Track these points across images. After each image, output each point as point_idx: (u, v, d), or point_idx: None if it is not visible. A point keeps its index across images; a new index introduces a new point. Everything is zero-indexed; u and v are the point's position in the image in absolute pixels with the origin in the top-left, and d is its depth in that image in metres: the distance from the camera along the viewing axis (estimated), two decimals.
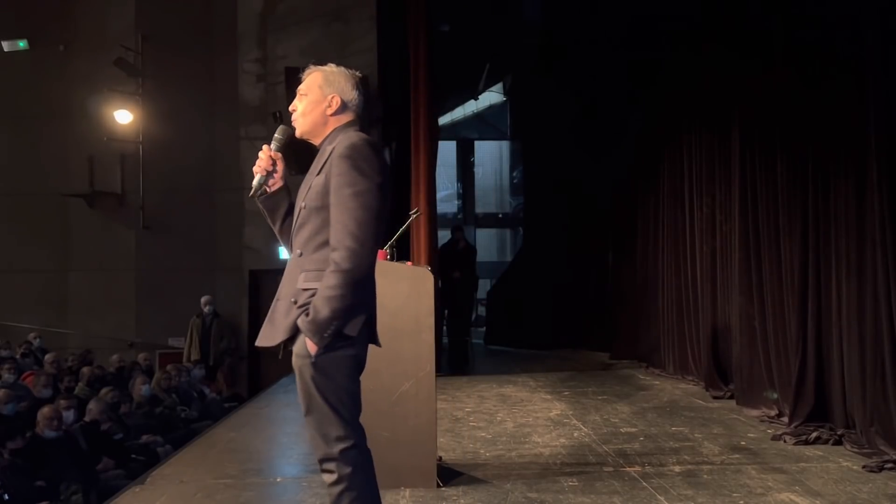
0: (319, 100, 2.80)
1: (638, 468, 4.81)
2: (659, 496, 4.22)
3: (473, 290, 11.49)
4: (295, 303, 2.64)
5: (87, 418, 6.83)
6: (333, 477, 2.61)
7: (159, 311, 12.08)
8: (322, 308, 2.53)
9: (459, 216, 20.08)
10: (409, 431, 4.31)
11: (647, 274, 9.62)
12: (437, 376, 4.46)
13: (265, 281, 12.07)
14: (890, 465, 4.60)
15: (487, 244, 20.57)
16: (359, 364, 2.68)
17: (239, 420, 7.04)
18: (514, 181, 20.10)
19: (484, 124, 20.61)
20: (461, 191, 20.93)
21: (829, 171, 5.57)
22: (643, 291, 9.75)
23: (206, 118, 12.39)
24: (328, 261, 2.57)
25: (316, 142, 2.82)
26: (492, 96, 19.24)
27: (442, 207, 16.67)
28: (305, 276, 2.65)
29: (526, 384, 8.50)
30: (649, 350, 9.52)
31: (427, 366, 4.37)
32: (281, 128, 2.89)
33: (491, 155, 21.46)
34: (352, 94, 2.81)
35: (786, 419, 5.86)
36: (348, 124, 2.80)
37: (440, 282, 9.12)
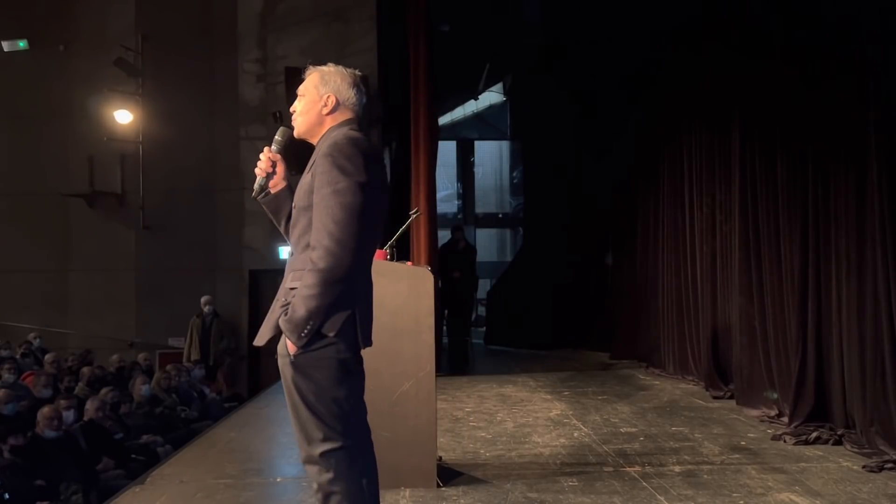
0: (316, 99, 2.80)
1: (638, 468, 4.81)
2: (659, 496, 4.22)
3: (473, 290, 11.48)
4: (282, 302, 2.65)
5: (84, 417, 6.83)
6: (315, 482, 2.62)
7: (159, 311, 12.08)
8: (299, 307, 2.52)
9: (459, 216, 20.07)
10: (409, 431, 4.31)
11: (647, 274, 9.62)
12: (437, 376, 4.46)
13: (265, 281, 12.07)
14: (890, 465, 4.60)
15: (487, 244, 20.56)
16: (344, 366, 2.61)
17: (239, 420, 7.04)
18: (514, 181, 20.09)
19: (484, 124, 20.60)
20: (461, 191, 20.92)
21: (829, 171, 5.57)
22: (643, 291, 9.75)
23: (206, 118, 12.38)
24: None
25: (314, 141, 2.81)
26: (492, 96, 19.23)
27: (442, 207, 16.67)
28: (293, 275, 2.66)
29: (526, 384, 8.50)
30: (649, 350, 9.52)
31: (427, 366, 4.37)
32: (281, 129, 2.90)
33: (491, 155, 21.45)
34: (348, 93, 2.80)
35: (786, 419, 5.86)
36: (344, 123, 2.77)
37: (440, 282, 9.11)
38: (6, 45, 12.17)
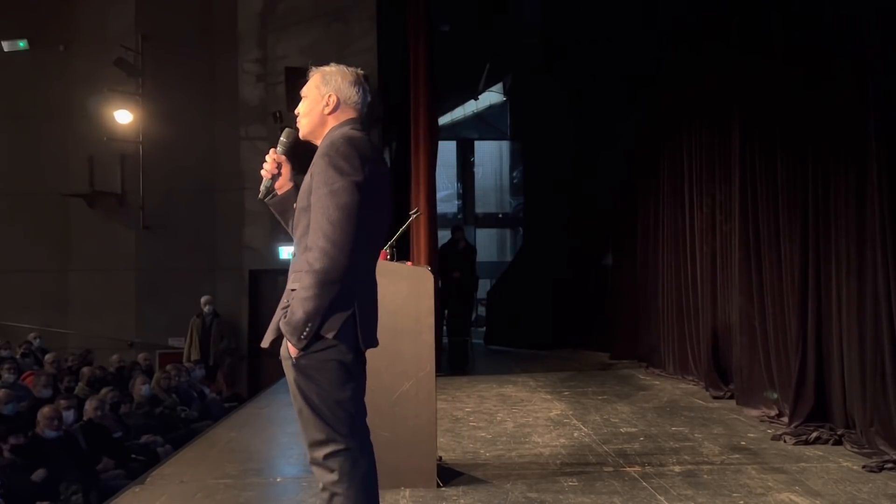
0: (317, 100, 2.79)
1: (638, 468, 4.80)
2: (659, 496, 4.22)
3: (473, 290, 11.48)
4: (284, 304, 2.65)
5: (84, 417, 6.83)
6: (320, 482, 2.62)
7: (159, 311, 12.08)
8: (297, 309, 2.52)
9: (459, 216, 20.07)
10: (409, 431, 4.31)
11: (647, 274, 9.62)
12: (437, 376, 4.46)
13: (265, 281, 12.08)
14: (890, 465, 4.60)
15: (487, 244, 20.55)
16: (346, 368, 2.60)
17: (239, 420, 7.04)
18: (514, 181, 20.09)
19: (484, 124, 20.59)
20: (461, 191, 20.91)
21: (829, 171, 5.57)
22: (643, 291, 9.75)
23: (206, 118, 12.39)
24: None
25: (317, 142, 2.80)
26: (492, 96, 19.23)
27: (442, 207, 16.66)
28: (294, 276, 2.65)
29: (526, 384, 8.50)
30: (649, 350, 9.52)
31: (427, 366, 4.37)
32: (286, 130, 2.89)
33: (491, 155, 21.45)
34: (349, 91, 2.78)
35: (786, 419, 5.86)
36: (346, 122, 2.76)
37: (440, 282, 9.12)
38: (6, 45, 12.17)
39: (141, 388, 8.22)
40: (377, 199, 2.64)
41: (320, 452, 2.59)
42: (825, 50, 5.67)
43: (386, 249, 4.52)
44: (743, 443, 5.50)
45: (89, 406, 6.89)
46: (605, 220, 11.34)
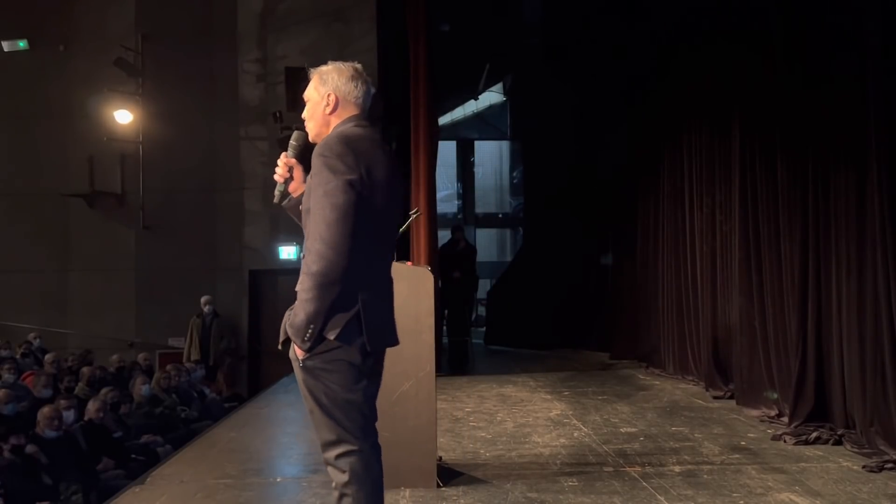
0: (318, 101, 2.78)
1: (638, 468, 4.80)
2: (659, 496, 4.22)
3: (473, 290, 11.48)
4: (292, 305, 2.65)
5: (85, 418, 6.83)
6: (333, 482, 2.62)
7: (159, 311, 12.08)
8: (299, 311, 2.52)
9: (459, 216, 20.06)
10: (409, 431, 4.31)
11: (647, 274, 9.62)
12: (437, 376, 4.46)
13: (265, 281, 12.08)
14: (890, 465, 4.60)
15: (487, 244, 20.54)
16: (355, 369, 2.59)
17: (239, 420, 7.04)
18: (514, 181, 20.09)
19: (484, 124, 20.59)
20: (461, 191, 20.91)
21: (829, 171, 5.57)
22: (643, 291, 9.75)
23: (206, 118, 12.39)
24: None
25: None
26: (492, 96, 19.23)
27: (442, 207, 16.65)
28: (300, 278, 2.65)
29: (526, 384, 8.50)
30: (649, 350, 9.52)
31: (427, 366, 4.37)
32: (296, 133, 2.88)
33: (491, 155, 21.44)
34: (347, 87, 2.75)
35: (786, 419, 5.86)
36: (348, 119, 2.74)
37: (440, 282, 9.11)
38: (6, 45, 12.18)
39: (141, 388, 8.22)
40: (379, 192, 2.61)
41: (332, 453, 2.59)
42: (825, 50, 5.67)
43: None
44: (743, 443, 5.50)
45: (91, 407, 6.89)
46: (605, 220, 11.34)
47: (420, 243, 9.01)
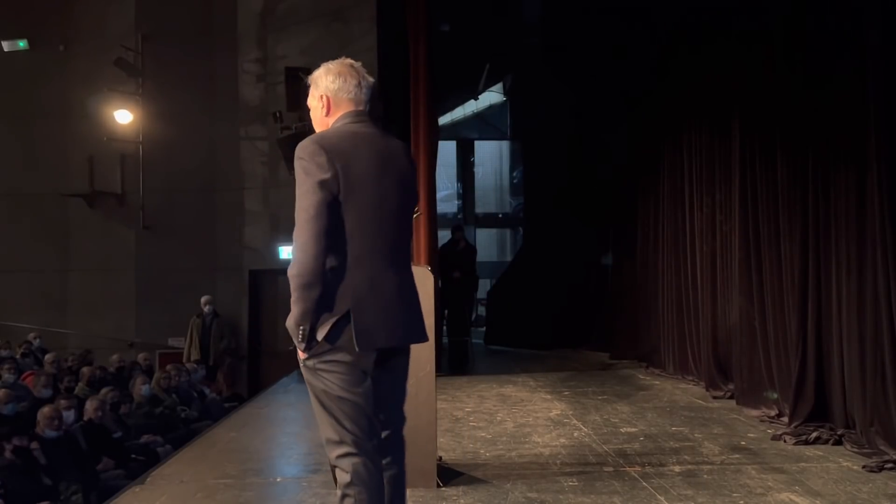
0: (316, 107, 2.80)
1: (638, 468, 4.80)
2: (659, 496, 4.22)
3: (473, 290, 11.48)
4: None
5: (84, 417, 6.83)
6: (338, 479, 2.63)
7: (159, 311, 12.09)
8: (291, 313, 2.56)
9: (459, 216, 20.05)
10: (409, 431, 4.27)
11: (647, 274, 9.62)
12: (437, 376, 4.46)
13: (265, 281, 12.09)
14: (890, 465, 4.59)
15: (487, 244, 20.54)
16: (351, 369, 2.58)
17: (239, 420, 7.04)
18: (514, 181, 20.09)
19: (484, 124, 20.59)
20: (461, 191, 20.90)
21: (829, 171, 5.57)
22: (643, 291, 9.75)
23: (206, 118, 12.40)
24: None
25: None
26: (492, 96, 19.22)
27: (442, 207, 16.65)
28: None
29: (526, 384, 8.50)
30: (649, 350, 9.52)
31: (427, 366, 4.36)
32: None
33: (491, 155, 21.44)
34: (335, 85, 2.73)
35: (786, 419, 5.86)
36: (342, 117, 2.74)
37: (440, 282, 9.11)
38: (6, 45, 12.19)
39: (141, 388, 8.22)
40: (363, 189, 2.58)
41: (333, 453, 2.60)
42: (825, 50, 5.67)
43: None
44: (743, 443, 5.50)
45: (90, 406, 6.88)
46: (605, 220, 11.34)
47: (420, 243, 9.00)
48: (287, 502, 4.51)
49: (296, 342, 2.57)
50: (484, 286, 14.33)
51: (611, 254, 11.28)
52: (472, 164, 20.84)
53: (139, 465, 6.54)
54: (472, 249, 11.34)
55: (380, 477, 2.62)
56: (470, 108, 19.84)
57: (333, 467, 2.64)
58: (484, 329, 13.97)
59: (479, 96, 18.49)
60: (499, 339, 13.04)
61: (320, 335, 2.55)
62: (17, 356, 9.86)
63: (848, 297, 5.32)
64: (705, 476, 4.61)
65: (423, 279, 4.47)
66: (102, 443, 6.71)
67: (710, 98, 7.77)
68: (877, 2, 5.06)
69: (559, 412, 6.80)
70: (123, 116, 12.02)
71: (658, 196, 9.24)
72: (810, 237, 5.76)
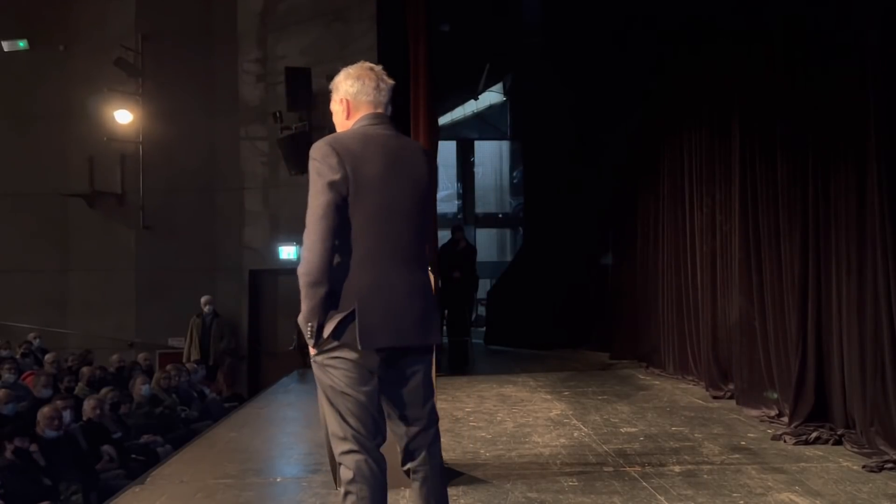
0: (337, 111, 2.85)
1: (638, 468, 4.80)
2: (659, 496, 4.22)
3: (473, 290, 11.48)
4: None
5: (83, 417, 6.83)
6: (341, 479, 2.65)
7: (159, 311, 12.09)
8: (301, 311, 2.62)
9: (459, 216, 20.07)
10: None
11: (647, 274, 9.62)
12: (437, 376, 4.45)
13: (265, 281, 12.09)
14: (890, 465, 4.59)
15: (487, 244, 20.56)
16: (356, 367, 2.60)
17: (239, 420, 7.04)
18: (514, 181, 20.10)
19: (484, 124, 20.61)
20: (461, 191, 20.92)
21: (829, 171, 5.57)
22: (643, 291, 9.75)
23: (206, 118, 12.40)
24: None
25: None
26: (492, 96, 19.24)
27: (442, 207, 16.68)
28: None
29: (526, 384, 8.50)
30: (649, 350, 9.52)
31: None
32: None
33: (491, 155, 21.46)
34: (353, 88, 2.79)
35: (786, 419, 5.86)
36: (360, 119, 2.78)
37: (440, 282, 9.11)
38: (6, 45, 12.19)
39: (141, 388, 8.22)
40: (374, 190, 2.60)
41: (338, 449, 2.62)
42: (825, 49, 5.67)
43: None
44: (743, 443, 5.49)
45: (87, 405, 6.88)
46: (605, 220, 11.34)
47: None
48: (287, 502, 4.52)
49: (305, 337, 2.63)
50: (484, 286, 14.33)
51: (611, 254, 11.28)
52: (472, 164, 20.85)
53: (139, 465, 6.54)
54: (472, 249, 11.35)
55: (382, 475, 2.63)
56: (470, 108, 19.86)
57: (335, 467, 2.66)
58: (484, 329, 13.98)
59: (479, 96, 18.51)
60: (499, 339, 13.04)
61: (327, 331, 2.59)
62: (17, 356, 9.85)
63: (848, 296, 5.32)
64: (705, 476, 4.61)
65: None
66: (102, 443, 6.70)
67: (710, 97, 7.77)
68: (877, 2, 5.06)
69: (559, 412, 6.80)
70: (123, 116, 12.03)
71: (658, 196, 9.24)
72: (810, 237, 5.76)
